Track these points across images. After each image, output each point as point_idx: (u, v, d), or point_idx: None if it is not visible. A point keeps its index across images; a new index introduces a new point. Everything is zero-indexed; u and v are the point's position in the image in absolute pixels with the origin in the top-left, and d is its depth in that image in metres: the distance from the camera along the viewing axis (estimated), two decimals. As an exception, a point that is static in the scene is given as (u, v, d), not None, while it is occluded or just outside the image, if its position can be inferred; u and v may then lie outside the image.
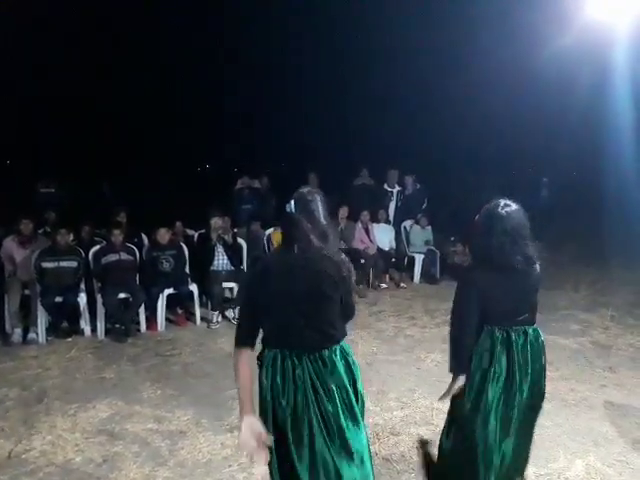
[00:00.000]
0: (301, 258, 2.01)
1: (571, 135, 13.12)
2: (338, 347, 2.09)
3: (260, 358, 2.14)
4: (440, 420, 3.67)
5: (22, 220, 5.70)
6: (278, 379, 2.01)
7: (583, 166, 15.06)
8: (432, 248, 7.98)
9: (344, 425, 2.00)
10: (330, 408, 1.99)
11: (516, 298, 2.48)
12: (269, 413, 2.03)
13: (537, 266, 2.50)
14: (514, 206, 2.47)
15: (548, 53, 9.41)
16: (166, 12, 13.04)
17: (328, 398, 2.00)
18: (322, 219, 2.08)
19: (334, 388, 2.02)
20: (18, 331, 5.28)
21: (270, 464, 2.04)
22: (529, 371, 2.48)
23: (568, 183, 14.73)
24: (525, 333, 2.50)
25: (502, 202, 2.48)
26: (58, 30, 12.43)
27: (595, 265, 8.28)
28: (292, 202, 2.10)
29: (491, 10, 10.56)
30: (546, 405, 3.80)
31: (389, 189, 8.71)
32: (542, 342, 2.56)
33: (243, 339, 2.11)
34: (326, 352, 2.04)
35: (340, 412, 2.01)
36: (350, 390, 2.06)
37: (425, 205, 8.78)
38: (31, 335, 5.25)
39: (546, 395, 3.97)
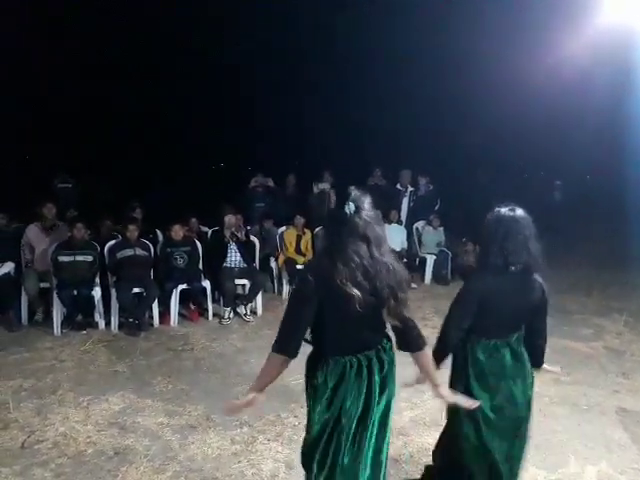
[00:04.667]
0: (364, 263, 1.93)
1: (587, 138, 12.96)
2: (387, 340, 2.17)
3: (313, 371, 2.11)
4: (450, 422, 3.67)
5: (46, 204, 5.82)
6: (351, 386, 2.04)
7: (599, 169, 14.86)
8: (444, 249, 7.95)
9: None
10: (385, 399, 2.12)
11: (515, 310, 2.44)
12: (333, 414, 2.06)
13: (538, 279, 2.43)
14: (520, 210, 2.42)
15: (565, 54, 9.30)
16: (178, 12, 13.13)
17: (386, 390, 2.12)
18: (377, 223, 2.01)
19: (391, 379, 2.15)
20: (41, 308, 5.60)
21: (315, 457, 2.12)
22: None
23: (583, 186, 14.56)
24: (509, 345, 2.47)
25: (508, 206, 2.44)
26: (77, 29, 12.56)
27: (609, 270, 8.17)
28: (351, 203, 1.97)
29: (507, 10, 10.46)
30: (557, 409, 3.81)
31: (401, 189, 8.68)
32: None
33: (288, 346, 2.00)
34: (385, 344, 2.13)
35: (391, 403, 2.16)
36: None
37: (438, 206, 8.74)
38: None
39: (557, 400, 3.98)
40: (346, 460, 2.03)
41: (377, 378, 2.07)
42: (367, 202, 2.01)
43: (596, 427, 3.60)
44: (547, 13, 9.41)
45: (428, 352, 2.18)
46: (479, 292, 2.40)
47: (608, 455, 3.28)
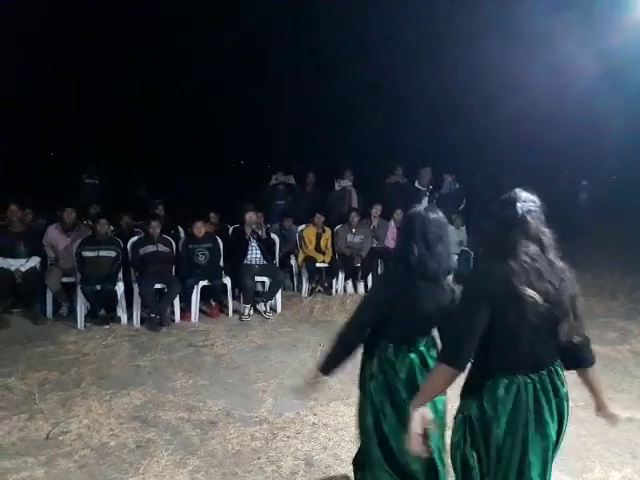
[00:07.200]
0: (537, 266, 1.74)
1: (614, 137, 12.70)
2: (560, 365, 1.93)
3: (477, 396, 1.90)
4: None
5: (66, 209, 5.94)
6: (523, 410, 1.82)
7: (626, 170, 14.54)
8: (465, 249, 7.85)
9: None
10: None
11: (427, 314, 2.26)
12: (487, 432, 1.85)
13: (450, 281, 2.29)
14: (438, 212, 2.28)
15: (591, 54, 9.11)
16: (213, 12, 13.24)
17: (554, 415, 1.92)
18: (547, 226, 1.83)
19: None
20: (66, 304, 5.75)
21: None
22: None
23: (609, 187, 14.27)
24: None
25: (427, 206, 2.32)
26: (108, 24, 12.75)
27: (635, 273, 7.98)
28: (523, 202, 1.81)
29: (533, 8, 10.29)
30: (582, 413, 3.73)
31: (421, 187, 8.58)
32: None
33: (458, 356, 1.77)
34: (559, 367, 1.90)
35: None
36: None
37: (463, 206, 8.62)
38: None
39: (582, 403, 3.89)
40: None
41: (551, 403, 1.89)
42: (535, 203, 1.85)
43: (621, 432, 3.52)
44: (574, 14, 9.23)
45: (596, 368, 2.01)
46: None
47: (633, 461, 3.21)
